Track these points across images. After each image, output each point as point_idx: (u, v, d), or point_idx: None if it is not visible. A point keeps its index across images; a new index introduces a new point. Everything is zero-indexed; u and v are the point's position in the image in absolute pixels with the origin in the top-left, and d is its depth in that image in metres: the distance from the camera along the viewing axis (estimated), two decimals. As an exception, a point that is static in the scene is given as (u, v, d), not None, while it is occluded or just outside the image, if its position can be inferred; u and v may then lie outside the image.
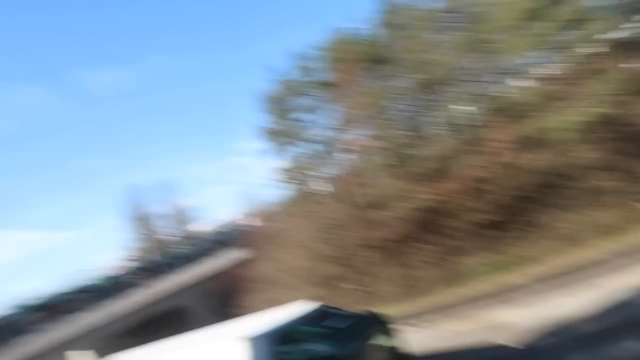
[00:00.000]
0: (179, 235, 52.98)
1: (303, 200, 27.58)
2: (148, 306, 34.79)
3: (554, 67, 20.10)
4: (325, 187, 26.74)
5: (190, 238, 51.38)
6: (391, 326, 13.16)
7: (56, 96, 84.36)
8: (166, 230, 53.16)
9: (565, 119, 18.05)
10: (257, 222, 40.55)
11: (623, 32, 18.05)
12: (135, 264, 46.02)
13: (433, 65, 20.98)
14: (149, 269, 41.03)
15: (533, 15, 17.97)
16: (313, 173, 25.75)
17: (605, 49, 18.06)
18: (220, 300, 36.47)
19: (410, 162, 22.77)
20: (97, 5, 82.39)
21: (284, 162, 25.68)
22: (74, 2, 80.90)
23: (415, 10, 21.61)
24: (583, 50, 18.62)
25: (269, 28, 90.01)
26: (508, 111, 20.20)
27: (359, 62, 22.32)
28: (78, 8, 79.72)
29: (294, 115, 24.54)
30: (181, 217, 54.73)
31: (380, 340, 12.94)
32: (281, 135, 24.67)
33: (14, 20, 74.09)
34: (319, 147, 24.79)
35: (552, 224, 22.22)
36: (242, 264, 37.68)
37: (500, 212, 22.71)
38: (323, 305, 16.87)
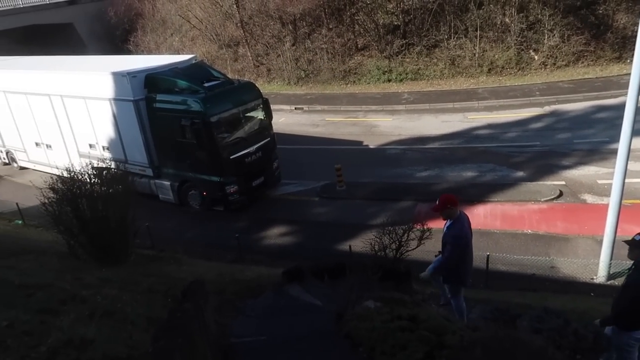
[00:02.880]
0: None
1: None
2: (32, 11, 32.84)
3: None
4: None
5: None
6: (265, 101, 14.74)
7: None
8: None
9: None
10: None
11: None
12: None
13: None
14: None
15: None
16: None
17: None
18: (109, 30, 34.85)
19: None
20: None
21: None
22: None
23: None
24: None
25: None
26: None
27: None
28: None
29: None
30: None
31: (253, 111, 14.60)
32: None
33: None
34: None
35: (448, 47, 24.18)
36: (139, -3, 35.03)
37: (405, 20, 24.68)
38: (205, 65, 17.41)
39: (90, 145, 16.24)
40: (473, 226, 12.10)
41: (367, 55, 26.45)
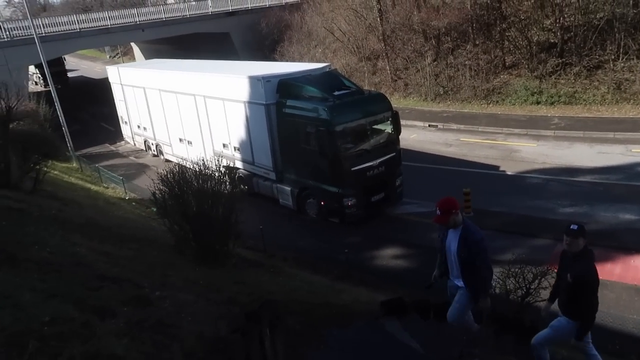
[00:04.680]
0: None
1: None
2: (197, 21, 36.32)
3: None
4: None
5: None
6: (395, 114, 14.03)
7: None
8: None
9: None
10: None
11: None
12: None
13: None
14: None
15: None
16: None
17: None
18: (260, 39, 36.62)
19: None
20: None
21: None
22: None
23: None
24: None
25: None
26: None
27: None
28: None
29: None
30: None
31: (380, 124, 14.00)
32: None
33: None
34: None
35: (614, 69, 20.80)
36: (290, 8, 37.61)
37: (563, 37, 22.36)
38: (338, 74, 16.36)
39: (224, 145, 16.91)
40: (629, 280, 10.21)
41: (514, 74, 24.29)
